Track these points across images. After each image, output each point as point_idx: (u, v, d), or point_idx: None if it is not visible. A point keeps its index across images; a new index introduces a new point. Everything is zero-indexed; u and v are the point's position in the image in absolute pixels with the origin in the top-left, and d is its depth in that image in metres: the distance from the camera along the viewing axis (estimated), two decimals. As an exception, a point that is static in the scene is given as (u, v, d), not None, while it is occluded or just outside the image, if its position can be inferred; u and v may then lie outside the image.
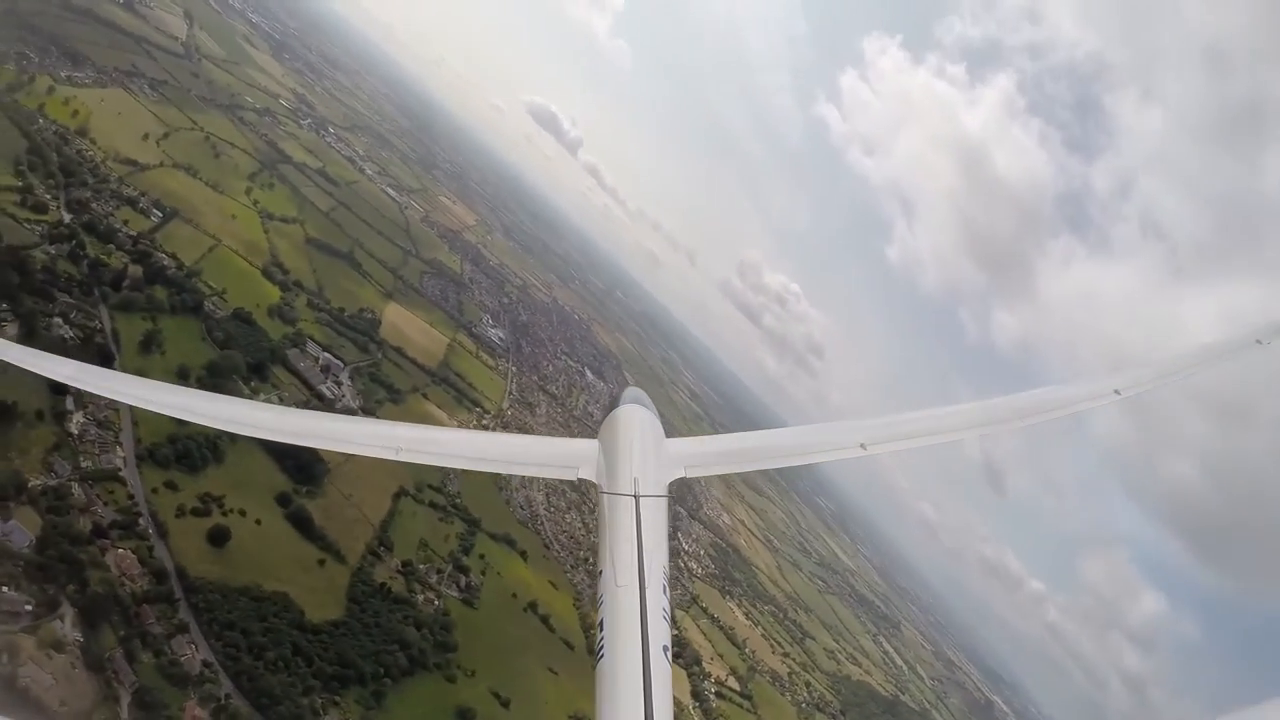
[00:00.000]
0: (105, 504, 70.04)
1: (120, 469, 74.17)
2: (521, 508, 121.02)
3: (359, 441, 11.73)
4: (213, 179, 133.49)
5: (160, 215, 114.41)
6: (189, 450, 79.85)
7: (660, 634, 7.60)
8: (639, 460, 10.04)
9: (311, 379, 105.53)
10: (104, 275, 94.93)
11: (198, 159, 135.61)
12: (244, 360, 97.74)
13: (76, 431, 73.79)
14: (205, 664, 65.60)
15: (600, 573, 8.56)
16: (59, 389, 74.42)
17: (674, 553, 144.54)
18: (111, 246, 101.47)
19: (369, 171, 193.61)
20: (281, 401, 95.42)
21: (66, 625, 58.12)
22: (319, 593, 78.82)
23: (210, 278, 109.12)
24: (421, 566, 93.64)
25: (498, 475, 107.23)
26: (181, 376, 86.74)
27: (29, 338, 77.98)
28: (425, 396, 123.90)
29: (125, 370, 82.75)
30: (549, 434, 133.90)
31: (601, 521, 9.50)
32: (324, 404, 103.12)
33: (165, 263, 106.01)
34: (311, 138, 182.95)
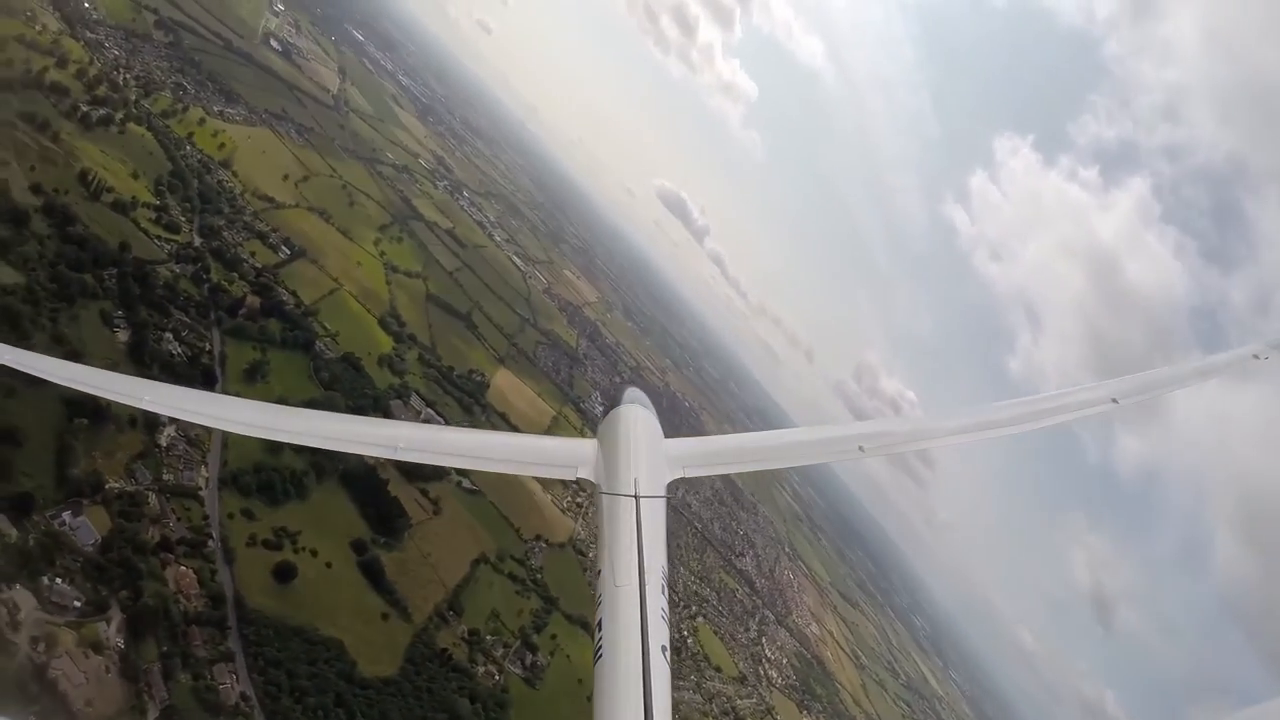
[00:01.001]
0: (178, 519, 71.78)
1: (201, 488, 75.94)
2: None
3: (358, 441, 12.35)
4: (344, 225, 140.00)
5: (288, 252, 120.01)
6: (273, 482, 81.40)
7: (659, 634, 7.87)
8: (639, 460, 10.37)
9: None
10: (222, 301, 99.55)
11: (332, 205, 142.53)
12: (344, 404, 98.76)
13: (165, 444, 75.89)
14: (243, 696, 65.03)
15: (599, 573, 8.82)
16: None
17: (756, 657, 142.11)
18: (235, 275, 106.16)
19: (498, 238, 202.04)
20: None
21: (111, 629, 59.13)
22: (376, 647, 77.85)
23: (326, 318, 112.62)
24: (489, 638, 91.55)
25: (585, 559, 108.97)
26: None
27: (138, 347, 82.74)
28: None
29: (225, 393, 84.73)
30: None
31: (601, 522, 9.82)
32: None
33: (284, 298, 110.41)
34: (445, 199, 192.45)
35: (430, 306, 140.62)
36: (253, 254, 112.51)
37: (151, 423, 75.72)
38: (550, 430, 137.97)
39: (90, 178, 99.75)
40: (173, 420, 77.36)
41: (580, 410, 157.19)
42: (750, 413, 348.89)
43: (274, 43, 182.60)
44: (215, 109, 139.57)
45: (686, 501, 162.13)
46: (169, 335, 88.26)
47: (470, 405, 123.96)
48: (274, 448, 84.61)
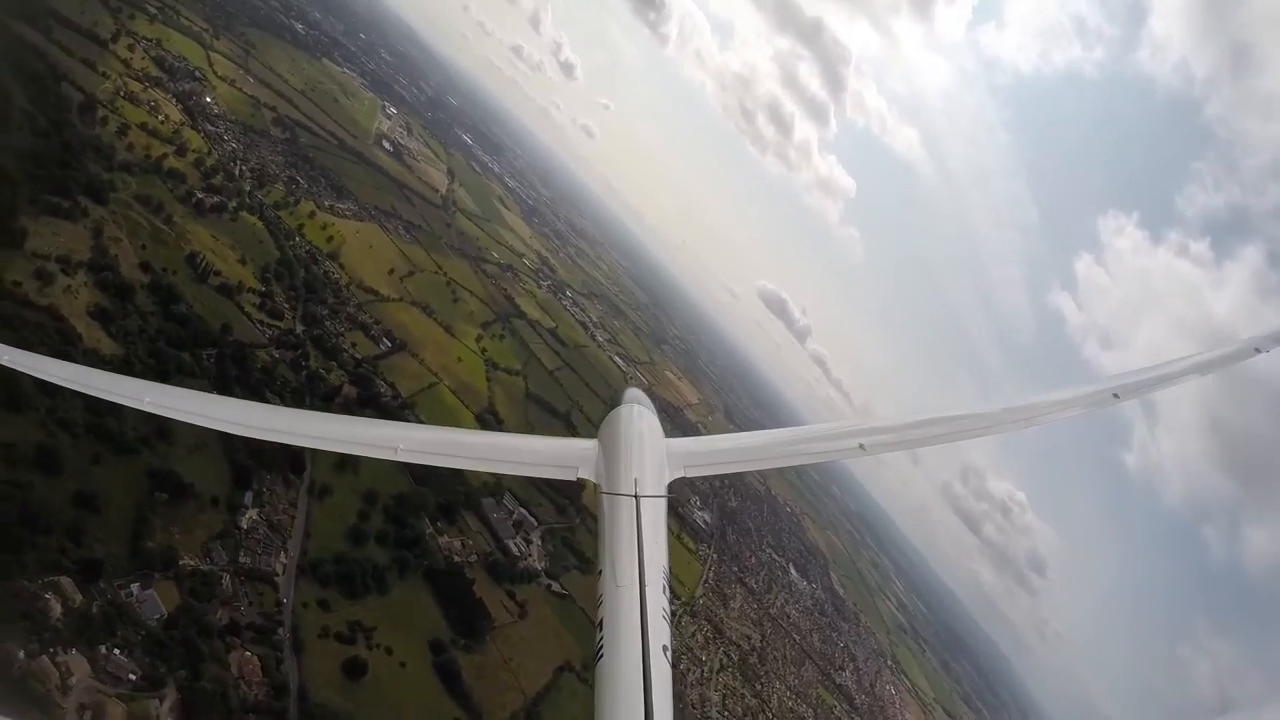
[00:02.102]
0: (250, 603, 71.88)
1: (278, 574, 76.12)
2: (693, 706, 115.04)
3: (357, 441, 13.07)
4: (446, 320, 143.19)
5: (389, 345, 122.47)
6: (353, 574, 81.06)
7: (660, 634, 8.20)
8: (639, 460, 10.76)
9: (501, 531, 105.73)
10: (319, 388, 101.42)
11: (436, 300, 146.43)
12: (435, 499, 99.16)
13: (246, 526, 76.66)
14: (296, 795, 62.23)
15: (600, 573, 9.16)
16: (244, 482, 79.31)
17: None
18: (334, 364, 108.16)
19: (600, 338, 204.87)
20: (465, 546, 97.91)
21: (163, 708, 59.02)
22: (444, 753, 75.14)
23: (423, 412, 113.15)
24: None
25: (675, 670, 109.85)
26: (368, 500, 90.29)
27: None
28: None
29: (313, 480, 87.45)
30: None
31: (601, 522, 10.09)
32: (508, 559, 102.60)
33: (382, 390, 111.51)
34: (548, 298, 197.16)
35: (529, 405, 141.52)
36: (353, 344, 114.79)
37: (234, 504, 76.76)
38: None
39: (199, 260, 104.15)
40: (258, 504, 79.22)
41: (678, 514, 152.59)
42: (852, 517, 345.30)
43: (386, 143, 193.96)
44: (326, 203, 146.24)
45: (785, 611, 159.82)
46: None
47: (565, 507, 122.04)
48: (358, 539, 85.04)
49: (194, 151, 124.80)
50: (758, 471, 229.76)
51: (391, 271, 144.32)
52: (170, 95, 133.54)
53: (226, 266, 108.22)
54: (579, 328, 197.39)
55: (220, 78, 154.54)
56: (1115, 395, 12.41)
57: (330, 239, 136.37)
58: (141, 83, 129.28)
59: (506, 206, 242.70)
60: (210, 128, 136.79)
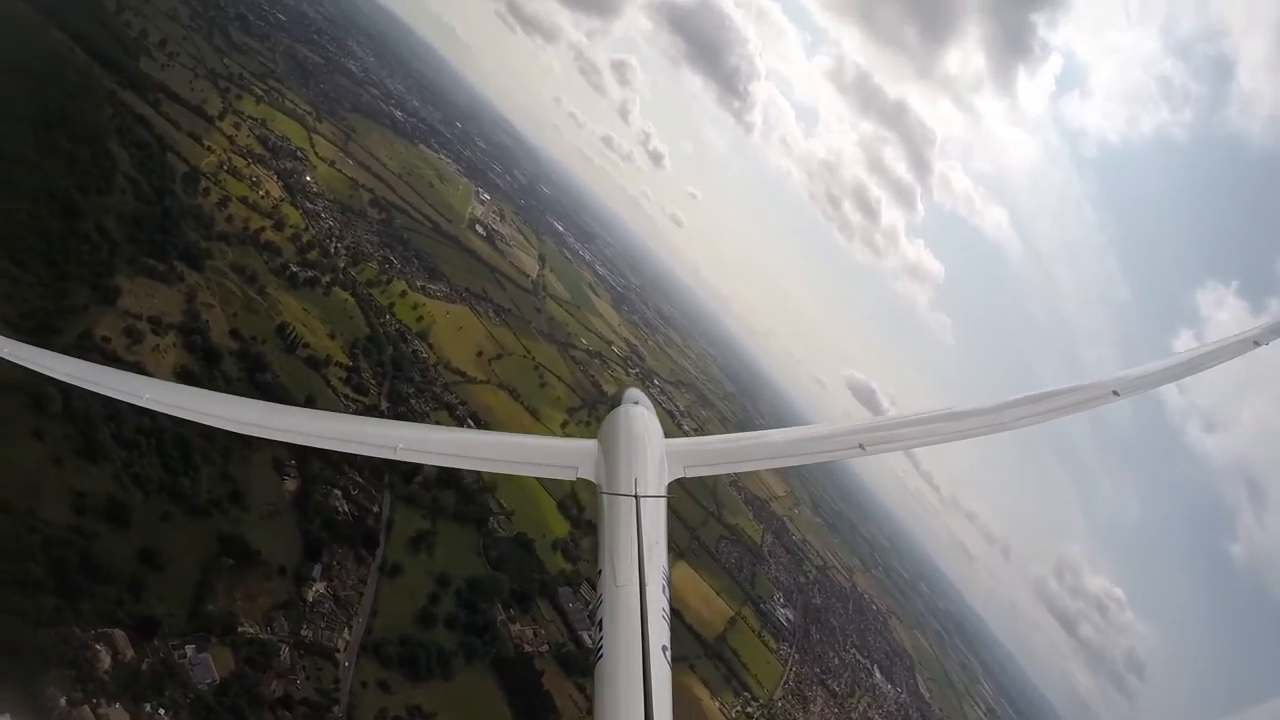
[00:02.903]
0: (307, 678, 70.56)
1: (339, 650, 74.80)
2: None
3: (357, 441, 12.60)
4: (532, 405, 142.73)
5: (473, 427, 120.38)
6: (418, 657, 79.75)
7: (660, 634, 8.29)
8: (639, 460, 10.86)
9: (576, 622, 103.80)
10: (400, 466, 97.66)
11: (523, 383, 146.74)
12: (509, 585, 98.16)
13: (311, 599, 75.86)
14: None
15: (599, 573, 9.29)
16: (314, 554, 78.92)
17: None
18: None
19: (687, 427, 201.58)
20: (537, 635, 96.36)
21: None
22: None
23: (503, 496, 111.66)
24: None
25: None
26: (441, 582, 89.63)
27: (304, 498, 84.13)
28: (692, 668, 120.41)
29: (386, 558, 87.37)
30: None
31: (601, 522, 10.19)
32: (580, 651, 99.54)
33: (463, 470, 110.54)
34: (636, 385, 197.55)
35: None
36: (438, 424, 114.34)
37: (302, 576, 76.02)
38: (725, 633, 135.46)
39: (289, 331, 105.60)
40: (325, 578, 78.29)
41: (760, 611, 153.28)
42: (940, 615, 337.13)
43: (479, 228, 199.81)
44: (418, 283, 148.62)
45: (868, 717, 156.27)
46: (338, 492, 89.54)
47: None
48: (427, 622, 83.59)
49: (291, 227, 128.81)
50: (844, 569, 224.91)
51: (480, 354, 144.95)
52: (272, 172, 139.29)
53: (316, 339, 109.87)
54: (666, 416, 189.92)
55: (321, 158, 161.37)
56: (1115, 393, 12.64)
57: (420, 318, 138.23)
58: (245, 159, 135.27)
59: (596, 293, 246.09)
60: (309, 205, 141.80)
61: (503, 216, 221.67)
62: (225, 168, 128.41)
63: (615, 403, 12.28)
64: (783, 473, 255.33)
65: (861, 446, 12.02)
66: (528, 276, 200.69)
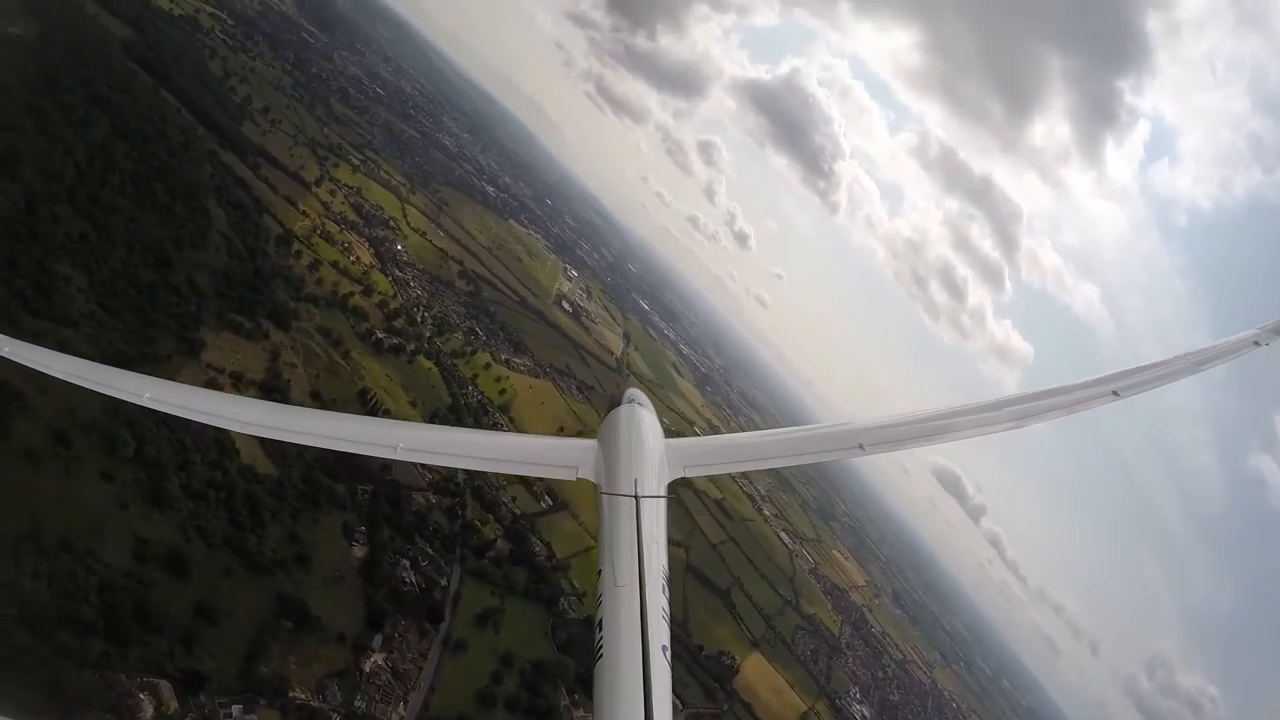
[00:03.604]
0: None
1: None
2: None
3: (358, 440, 12.94)
4: None
5: (550, 503, 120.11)
6: None
7: (660, 634, 8.44)
8: (639, 460, 11.06)
9: None
10: (471, 540, 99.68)
11: None
12: (576, 669, 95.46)
13: (369, 670, 74.66)
14: None
15: (599, 573, 9.41)
16: (376, 624, 77.37)
17: None
18: (490, 517, 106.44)
19: (767, 512, 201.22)
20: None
21: None
22: None
23: (576, 577, 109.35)
24: None
25: None
26: (505, 662, 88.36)
27: (372, 566, 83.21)
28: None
29: (450, 633, 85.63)
30: None
31: (601, 522, 10.33)
32: None
33: (537, 549, 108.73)
34: None
35: (688, 578, 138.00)
36: (513, 499, 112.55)
37: (361, 645, 74.62)
38: None
39: (370, 396, 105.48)
40: (385, 649, 76.88)
41: (835, 707, 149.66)
42: (1024, 714, 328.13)
43: (565, 304, 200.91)
44: (502, 356, 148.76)
45: None
46: (406, 563, 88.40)
47: (714, 690, 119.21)
48: (487, 701, 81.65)
49: (379, 293, 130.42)
50: (923, 663, 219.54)
51: (561, 429, 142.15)
52: (364, 239, 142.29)
53: (396, 406, 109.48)
54: (746, 500, 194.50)
55: (412, 228, 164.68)
56: (1115, 393, 12.78)
57: (503, 391, 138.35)
58: (338, 225, 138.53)
59: (680, 373, 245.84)
60: (398, 273, 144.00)
61: (589, 294, 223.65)
62: (319, 232, 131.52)
63: (615, 402, 12.40)
64: (862, 558, 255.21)
65: (861, 446, 12.07)
66: (612, 354, 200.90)
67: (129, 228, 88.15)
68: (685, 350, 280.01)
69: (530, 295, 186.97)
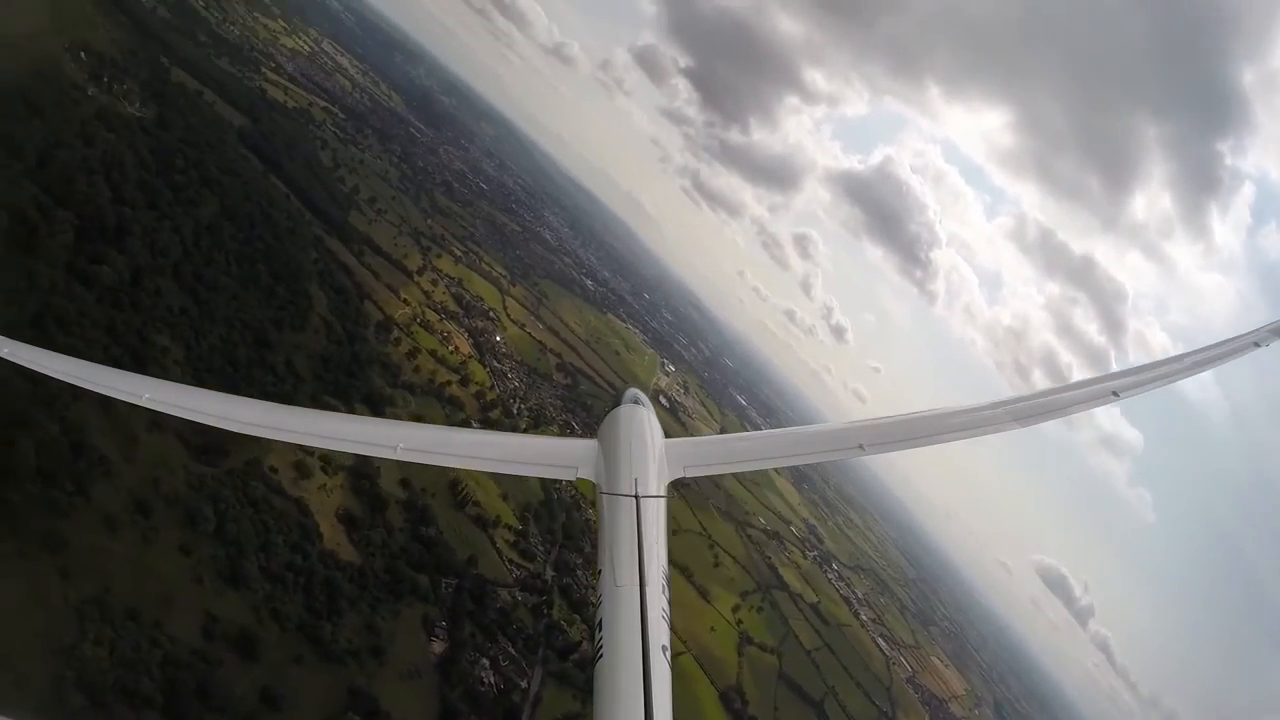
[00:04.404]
0: None
1: None
2: None
3: (357, 440, 13.45)
4: (704, 586, 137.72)
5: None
6: None
7: (660, 634, 8.45)
8: (639, 460, 11.00)
9: None
10: (556, 641, 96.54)
11: (696, 563, 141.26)
12: None
13: None
14: None
15: (599, 573, 9.43)
16: None
17: None
18: (578, 618, 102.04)
19: (864, 617, 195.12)
20: None
21: None
22: None
23: None
24: None
25: None
26: None
27: (450, 663, 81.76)
28: None
29: None
30: None
31: (601, 522, 10.34)
32: None
33: None
34: (813, 569, 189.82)
35: (781, 687, 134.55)
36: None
37: None
38: None
39: (460, 487, 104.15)
40: None
41: None
42: None
43: (663, 399, 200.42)
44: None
45: None
46: (486, 661, 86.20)
47: None
48: None
49: (476, 383, 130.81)
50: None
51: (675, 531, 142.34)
52: (463, 329, 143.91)
53: (487, 499, 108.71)
54: (842, 603, 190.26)
55: (511, 320, 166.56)
56: (1114, 393, 12.81)
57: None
58: (438, 314, 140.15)
59: (777, 471, 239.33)
60: (496, 364, 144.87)
61: (686, 389, 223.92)
62: (418, 320, 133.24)
63: (615, 403, 12.40)
64: (963, 665, 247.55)
65: (861, 446, 12.07)
66: None
67: (230, 306, 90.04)
68: None
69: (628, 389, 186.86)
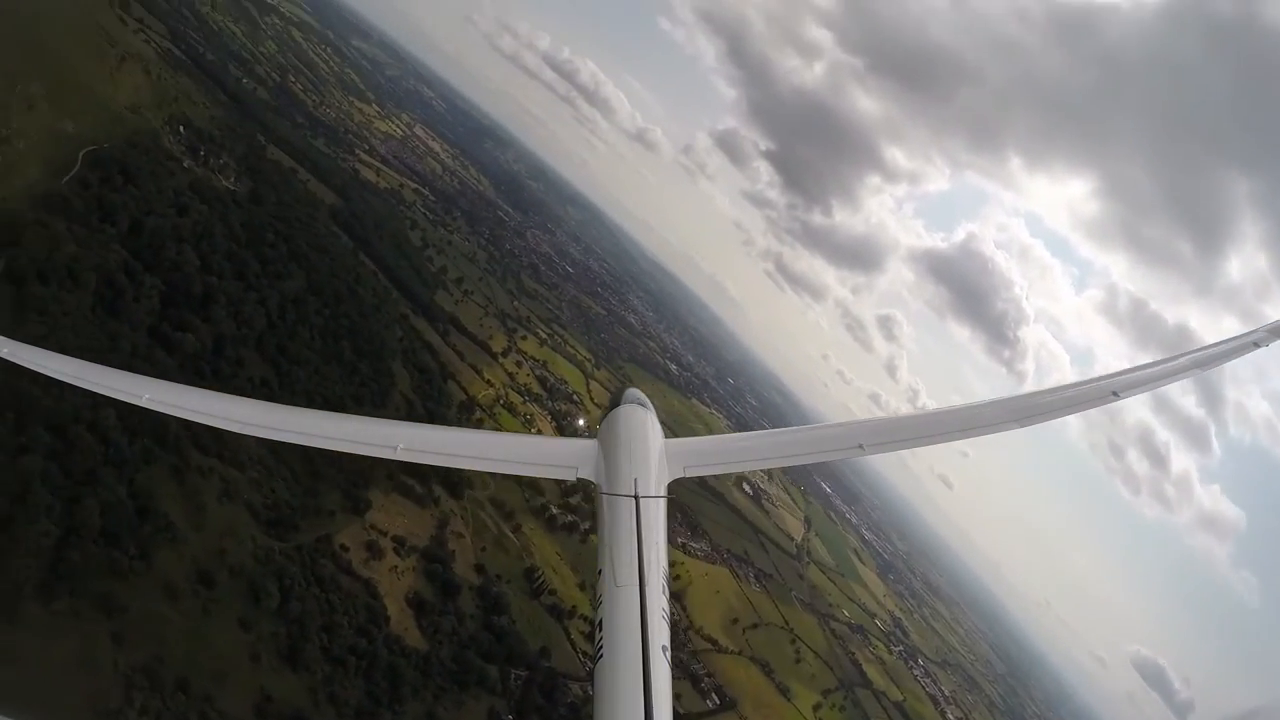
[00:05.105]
0: None
1: None
2: None
3: (357, 440, 12.69)
4: (784, 683, 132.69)
5: (717, 702, 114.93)
6: None
7: (660, 634, 8.44)
8: (639, 460, 11.01)
9: None
10: None
11: (777, 658, 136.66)
12: None
13: None
14: None
15: (600, 573, 9.38)
16: None
17: None
18: None
19: (951, 716, 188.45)
20: None
21: None
22: None
23: None
24: None
25: None
26: None
27: None
28: None
29: None
30: None
31: (601, 522, 10.33)
32: None
33: None
34: (898, 665, 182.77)
35: None
36: (678, 695, 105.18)
37: None
38: None
39: (537, 575, 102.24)
40: None
41: None
42: None
43: (746, 486, 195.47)
44: (679, 540, 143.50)
45: None
46: None
47: None
48: None
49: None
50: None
51: (735, 621, 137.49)
52: (546, 412, 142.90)
53: (564, 588, 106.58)
54: (928, 702, 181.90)
55: (595, 404, 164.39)
56: (1115, 393, 12.78)
57: (678, 577, 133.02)
58: (521, 396, 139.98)
59: (861, 560, 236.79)
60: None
61: (770, 475, 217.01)
62: (502, 402, 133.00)
63: (615, 403, 12.40)
64: None
65: (861, 446, 12.09)
66: (792, 540, 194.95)
67: (312, 380, 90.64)
68: (868, 535, 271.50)
69: (711, 476, 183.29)
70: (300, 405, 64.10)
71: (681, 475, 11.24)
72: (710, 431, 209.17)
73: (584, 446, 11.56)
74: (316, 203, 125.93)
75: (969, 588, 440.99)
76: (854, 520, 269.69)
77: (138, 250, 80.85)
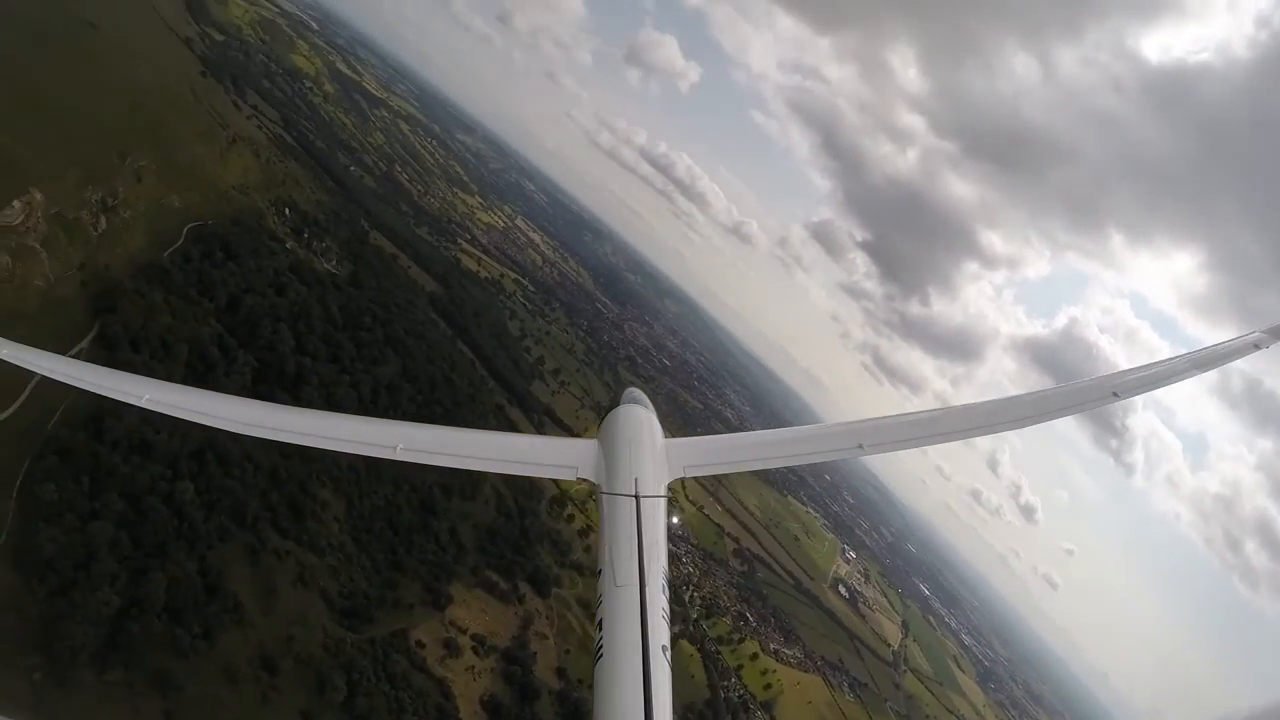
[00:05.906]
0: None
1: None
2: None
3: (356, 440, 12.58)
4: None
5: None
6: None
7: (660, 633, 8.38)
8: (639, 460, 10.97)
9: None
10: None
11: None
12: None
13: None
14: None
15: (600, 573, 9.36)
16: None
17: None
18: None
19: None
20: None
21: None
22: None
23: None
24: None
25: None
26: None
27: None
28: None
29: None
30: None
31: (601, 522, 10.40)
32: None
33: None
34: None
35: None
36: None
37: None
38: None
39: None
40: None
41: None
42: None
43: (842, 588, 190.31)
44: (772, 646, 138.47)
45: None
46: None
47: None
48: None
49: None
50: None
51: None
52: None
53: None
54: None
55: (690, 502, 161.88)
56: (1115, 394, 12.71)
57: (768, 686, 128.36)
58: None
59: (961, 668, 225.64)
60: (671, 547, 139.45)
61: (867, 577, 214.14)
62: (594, 496, 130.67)
63: (615, 403, 12.28)
64: None
65: (861, 446, 11.99)
66: (889, 646, 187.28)
67: (401, 467, 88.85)
68: (967, 640, 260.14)
69: (806, 578, 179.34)
70: (387, 492, 62.95)
71: (682, 475, 11.15)
72: (808, 531, 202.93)
73: (584, 446, 11.35)
74: (417, 289, 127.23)
75: (1075, 698, 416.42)
76: (953, 624, 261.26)
77: (234, 326, 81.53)
